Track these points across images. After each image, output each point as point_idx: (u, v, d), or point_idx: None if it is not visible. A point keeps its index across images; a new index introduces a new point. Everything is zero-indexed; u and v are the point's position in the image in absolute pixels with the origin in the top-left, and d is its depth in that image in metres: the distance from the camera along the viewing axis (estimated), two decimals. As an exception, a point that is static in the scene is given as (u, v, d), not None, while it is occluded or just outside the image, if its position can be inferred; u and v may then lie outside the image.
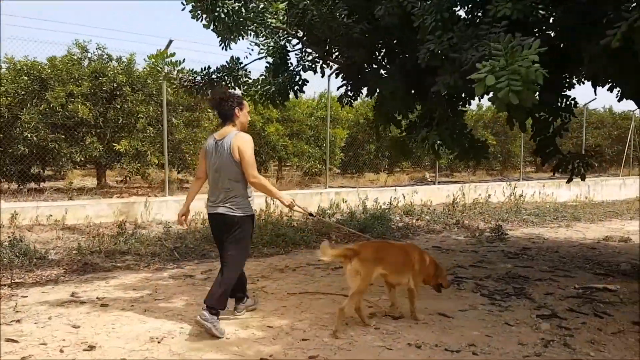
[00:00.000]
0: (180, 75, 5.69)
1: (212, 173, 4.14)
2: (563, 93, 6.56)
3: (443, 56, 4.19)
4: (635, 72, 4.28)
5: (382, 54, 5.59)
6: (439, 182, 14.00)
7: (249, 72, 5.91)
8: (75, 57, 10.97)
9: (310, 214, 4.74)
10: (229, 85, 5.74)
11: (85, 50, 11.17)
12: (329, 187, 12.34)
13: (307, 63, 5.76)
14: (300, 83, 5.78)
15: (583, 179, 6.86)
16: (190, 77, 5.71)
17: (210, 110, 12.23)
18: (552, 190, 15.45)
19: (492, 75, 3.21)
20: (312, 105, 15.21)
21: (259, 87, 5.70)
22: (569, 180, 7.03)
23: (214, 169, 4.10)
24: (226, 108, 4.14)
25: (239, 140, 4.00)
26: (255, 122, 13.17)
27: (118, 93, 10.81)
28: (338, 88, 6.30)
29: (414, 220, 10.52)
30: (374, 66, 5.55)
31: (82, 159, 10.41)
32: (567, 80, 5.73)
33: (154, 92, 10.91)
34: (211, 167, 4.14)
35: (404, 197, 11.55)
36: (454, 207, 11.35)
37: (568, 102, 6.55)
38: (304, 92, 5.95)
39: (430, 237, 8.99)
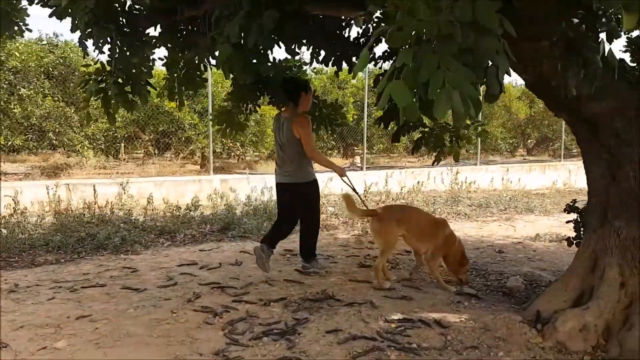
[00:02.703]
0: None
1: (278, 148, 4.96)
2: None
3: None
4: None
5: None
6: (368, 168, 12.20)
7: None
8: None
9: (354, 190, 5.22)
10: None
11: None
12: (220, 173, 10.63)
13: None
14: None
15: (457, 159, 5.15)
16: None
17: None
18: (518, 176, 13.54)
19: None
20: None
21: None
22: (436, 162, 5.30)
23: (280, 144, 4.90)
24: (293, 90, 4.84)
25: (299, 121, 4.73)
26: (153, 96, 11.48)
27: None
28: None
29: (313, 214, 8.79)
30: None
31: None
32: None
33: (2, 57, 9.29)
34: (277, 142, 4.97)
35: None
36: (365, 197, 9.55)
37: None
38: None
39: (296, 237, 7.22)
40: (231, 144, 12.73)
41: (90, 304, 4.13)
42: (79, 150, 10.81)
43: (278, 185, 5.06)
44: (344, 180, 5.07)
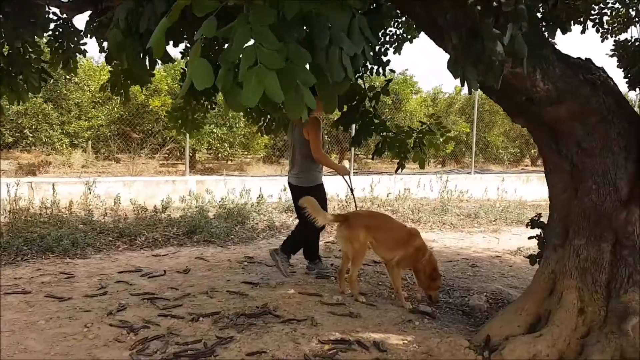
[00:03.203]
0: None
1: (291, 149, 5.14)
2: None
3: None
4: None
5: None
6: (357, 172, 11.85)
7: None
8: None
9: (352, 190, 5.47)
10: None
11: None
12: (195, 174, 10.34)
13: None
14: None
15: (422, 166, 4.80)
16: None
17: (69, 77, 10.38)
18: (515, 187, 13.10)
19: None
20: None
21: None
22: (399, 168, 4.95)
23: (292, 145, 5.10)
24: None
25: (309, 123, 4.78)
26: (136, 93, 11.26)
27: None
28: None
29: (291, 219, 8.48)
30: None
31: None
32: None
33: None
34: (290, 143, 5.16)
35: (284, 189, 9.43)
36: (347, 203, 9.23)
37: (376, 50, 4.53)
38: None
39: (266, 242, 6.91)
40: (218, 145, 12.43)
41: (3, 313, 3.81)
42: (57, 148, 10.56)
43: (289, 185, 5.22)
44: (345, 179, 5.23)
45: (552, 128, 3.49)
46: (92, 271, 5.04)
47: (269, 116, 5.46)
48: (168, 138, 11.74)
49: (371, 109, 4.74)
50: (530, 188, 13.59)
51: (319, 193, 5.03)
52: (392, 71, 4.64)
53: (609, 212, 3.31)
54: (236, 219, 7.88)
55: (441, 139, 4.88)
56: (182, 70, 5.53)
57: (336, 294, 4.54)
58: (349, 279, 4.53)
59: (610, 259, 3.30)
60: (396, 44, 5.70)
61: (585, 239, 3.39)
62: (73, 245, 5.87)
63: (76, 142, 11.03)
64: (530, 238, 4.15)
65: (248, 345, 3.37)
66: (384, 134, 4.93)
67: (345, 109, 4.71)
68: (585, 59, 3.50)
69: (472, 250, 7.00)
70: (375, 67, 4.62)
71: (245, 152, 14.09)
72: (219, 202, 8.54)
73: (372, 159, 5.27)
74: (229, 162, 14.48)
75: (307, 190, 4.95)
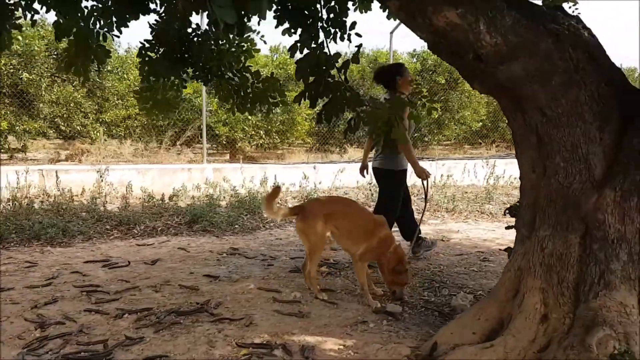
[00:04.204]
0: None
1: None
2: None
3: None
4: None
5: None
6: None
7: None
8: None
9: (425, 199, 5.16)
10: None
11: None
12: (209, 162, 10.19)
13: None
14: None
15: (403, 142, 4.33)
16: None
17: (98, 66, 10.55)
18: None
19: None
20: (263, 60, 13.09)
21: None
22: (375, 146, 4.51)
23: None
24: (387, 78, 4.87)
25: None
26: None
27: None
28: None
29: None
30: None
31: None
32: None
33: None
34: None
35: (305, 177, 9.03)
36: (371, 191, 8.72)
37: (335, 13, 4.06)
38: None
39: (267, 233, 6.61)
40: (253, 132, 12.26)
41: None
42: (93, 137, 10.82)
43: (373, 170, 5.16)
44: (422, 185, 4.98)
45: (510, 92, 2.90)
46: (59, 260, 4.96)
47: (242, 92, 5.14)
48: (201, 126, 11.70)
49: (342, 81, 4.28)
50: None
51: (404, 178, 5.02)
52: (359, 35, 4.12)
53: (577, 195, 2.70)
54: (246, 207, 7.64)
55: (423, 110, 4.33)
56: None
57: (297, 291, 4.16)
58: (308, 275, 4.14)
59: (579, 254, 2.70)
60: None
61: (551, 229, 2.80)
62: (62, 234, 5.85)
63: (114, 131, 11.23)
64: (507, 228, 3.56)
65: (153, 348, 3.08)
66: (359, 109, 4.45)
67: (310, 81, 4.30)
68: (554, 6, 2.88)
69: (497, 242, 6.32)
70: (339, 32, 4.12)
71: (281, 140, 13.75)
72: (232, 191, 8.33)
73: (345, 137, 4.84)
74: (277, 151, 14.27)
75: (391, 173, 4.92)
